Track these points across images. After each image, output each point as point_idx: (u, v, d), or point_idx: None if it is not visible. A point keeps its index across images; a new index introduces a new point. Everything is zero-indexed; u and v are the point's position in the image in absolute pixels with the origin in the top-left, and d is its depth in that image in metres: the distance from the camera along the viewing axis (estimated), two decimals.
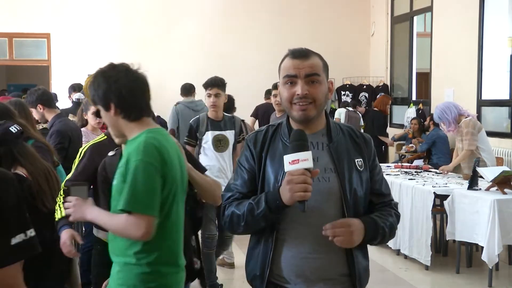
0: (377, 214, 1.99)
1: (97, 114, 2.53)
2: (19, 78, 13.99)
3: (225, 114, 4.85)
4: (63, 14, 10.20)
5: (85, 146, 3.01)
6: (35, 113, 4.57)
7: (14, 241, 1.41)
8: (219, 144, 4.72)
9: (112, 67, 2.32)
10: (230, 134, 4.77)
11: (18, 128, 2.72)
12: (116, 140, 2.32)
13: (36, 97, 4.68)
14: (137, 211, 2.10)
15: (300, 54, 1.96)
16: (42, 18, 10.19)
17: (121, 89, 2.24)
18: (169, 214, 2.23)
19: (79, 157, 2.96)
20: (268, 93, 9.28)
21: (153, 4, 10.42)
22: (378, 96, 10.03)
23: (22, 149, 2.78)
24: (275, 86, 9.05)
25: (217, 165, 4.68)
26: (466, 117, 5.99)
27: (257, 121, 9.15)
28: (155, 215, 2.12)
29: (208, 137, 4.69)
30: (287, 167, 1.80)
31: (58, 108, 5.48)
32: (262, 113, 9.09)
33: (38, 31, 10.30)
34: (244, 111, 9.66)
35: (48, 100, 4.78)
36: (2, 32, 10.18)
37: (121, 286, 2.19)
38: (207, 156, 4.69)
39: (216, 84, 4.70)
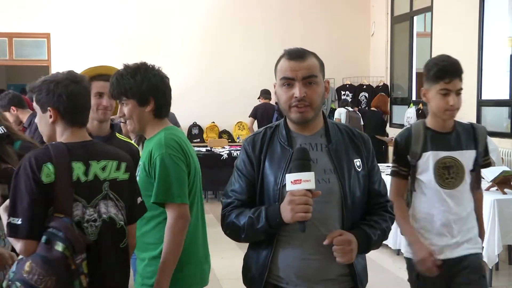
0: (370, 223, 1.99)
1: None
2: (19, 78, 13.98)
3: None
4: (63, 14, 10.20)
5: None
6: (9, 116, 4.68)
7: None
8: None
9: (147, 64, 2.40)
10: None
11: (4, 130, 2.75)
12: (132, 133, 2.42)
13: (7, 100, 4.85)
14: (171, 201, 2.23)
15: (296, 55, 1.95)
16: (42, 18, 10.18)
17: (160, 86, 2.35)
18: (191, 205, 2.33)
19: None
20: (265, 93, 9.26)
21: (153, 4, 10.41)
22: (375, 96, 10.03)
23: (6, 150, 2.81)
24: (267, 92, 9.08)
25: None
26: None
27: (256, 121, 9.16)
28: (187, 203, 2.25)
29: None
30: (289, 187, 1.81)
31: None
32: (261, 113, 9.08)
33: (38, 31, 10.30)
34: (243, 111, 9.69)
35: (20, 101, 4.95)
36: (2, 32, 10.18)
37: (150, 279, 2.27)
38: None
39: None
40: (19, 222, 1.91)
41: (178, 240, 2.25)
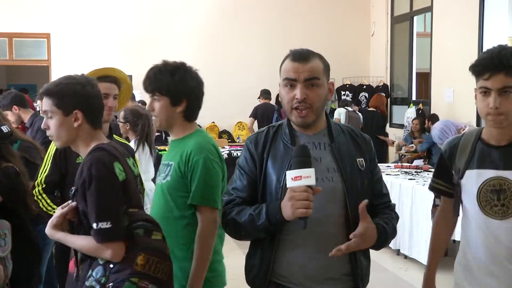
0: (385, 221, 1.99)
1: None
2: (19, 78, 13.99)
3: None
4: (63, 14, 10.19)
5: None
6: (11, 115, 4.71)
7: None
8: None
9: (186, 65, 2.40)
10: None
11: (9, 129, 2.76)
12: (157, 126, 2.44)
13: (10, 99, 4.84)
14: (207, 204, 2.29)
15: (300, 57, 1.95)
16: (42, 18, 10.18)
17: (196, 90, 2.36)
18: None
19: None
20: (265, 93, 9.24)
21: (153, 4, 10.41)
22: (373, 96, 10.01)
23: (11, 149, 2.84)
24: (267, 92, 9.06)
25: None
26: (464, 129, 5.96)
27: (256, 121, 9.15)
28: (220, 208, 2.26)
29: None
30: (290, 183, 1.81)
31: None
32: (261, 113, 9.07)
33: (38, 31, 10.30)
34: (244, 112, 9.69)
35: (22, 101, 4.95)
36: (2, 32, 10.18)
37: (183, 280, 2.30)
38: None
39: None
40: (109, 225, 1.91)
41: (210, 244, 2.29)
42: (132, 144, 4.54)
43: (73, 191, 2.05)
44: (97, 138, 2.09)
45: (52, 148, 2.75)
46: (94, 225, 1.92)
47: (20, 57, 10.60)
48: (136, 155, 4.47)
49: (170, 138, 2.46)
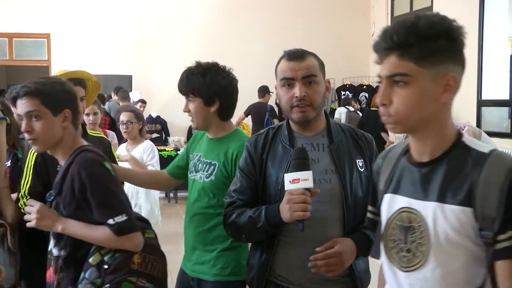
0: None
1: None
2: (19, 78, 13.91)
3: None
4: (63, 14, 10.20)
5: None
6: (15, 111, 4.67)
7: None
8: None
9: (218, 65, 2.47)
10: None
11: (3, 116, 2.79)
12: (194, 127, 2.49)
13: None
14: None
15: (295, 56, 1.95)
16: (42, 18, 10.19)
17: (228, 89, 2.44)
18: None
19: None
20: (261, 91, 9.20)
21: (153, 4, 10.42)
22: (373, 96, 10.03)
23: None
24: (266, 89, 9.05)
25: None
26: (463, 129, 5.94)
27: (246, 118, 9.20)
28: None
29: None
30: (287, 186, 1.80)
31: None
32: (254, 112, 9.05)
33: (38, 31, 10.30)
34: (243, 111, 9.69)
35: None
36: (2, 32, 10.18)
37: (225, 269, 2.34)
38: None
39: None
40: (125, 217, 1.93)
41: None
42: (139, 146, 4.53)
43: (53, 196, 2.02)
44: (79, 140, 2.09)
45: (31, 159, 2.64)
46: (111, 221, 1.92)
47: (20, 57, 10.60)
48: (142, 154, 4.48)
49: (207, 135, 2.50)
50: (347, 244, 1.90)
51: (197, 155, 2.50)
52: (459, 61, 1.39)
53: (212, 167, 2.40)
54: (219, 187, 2.35)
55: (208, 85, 2.39)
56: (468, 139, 1.39)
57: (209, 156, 2.44)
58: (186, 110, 2.46)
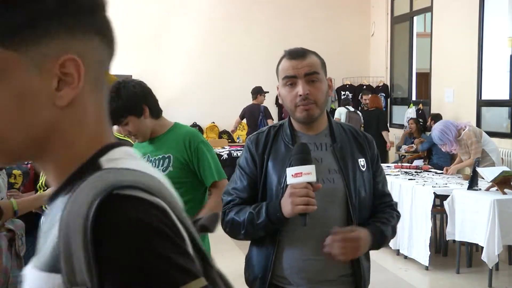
0: (383, 220, 1.98)
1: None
2: None
3: None
4: None
5: None
6: None
7: None
8: None
9: (123, 81, 2.54)
10: None
11: None
12: (142, 140, 2.60)
13: None
14: (223, 177, 2.62)
15: (297, 54, 1.94)
16: None
17: (145, 92, 2.54)
18: None
19: None
20: (255, 93, 9.10)
21: (152, 4, 10.41)
22: (369, 97, 9.95)
23: None
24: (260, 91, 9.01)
25: None
26: (464, 129, 5.95)
27: (242, 121, 9.21)
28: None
29: None
30: (290, 180, 1.79)
31: None
32: (248, 115, 9.00)
33: None
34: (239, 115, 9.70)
35: None
36: None
37: None
38: None
39: None
40: None
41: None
42: None
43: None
44: None
45: None
46: None
47: None
48: None
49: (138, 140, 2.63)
50: (365, 233, 1.89)
51: (144, 157, 2.58)
52: (89, 26, 0.79)
53: (166, 160, 2.54)
54: (179, 175, 2.48)
55: (129, 99, 2.46)
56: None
57: (159, 152, 2.58)
58: (126, 134, 2.57)
